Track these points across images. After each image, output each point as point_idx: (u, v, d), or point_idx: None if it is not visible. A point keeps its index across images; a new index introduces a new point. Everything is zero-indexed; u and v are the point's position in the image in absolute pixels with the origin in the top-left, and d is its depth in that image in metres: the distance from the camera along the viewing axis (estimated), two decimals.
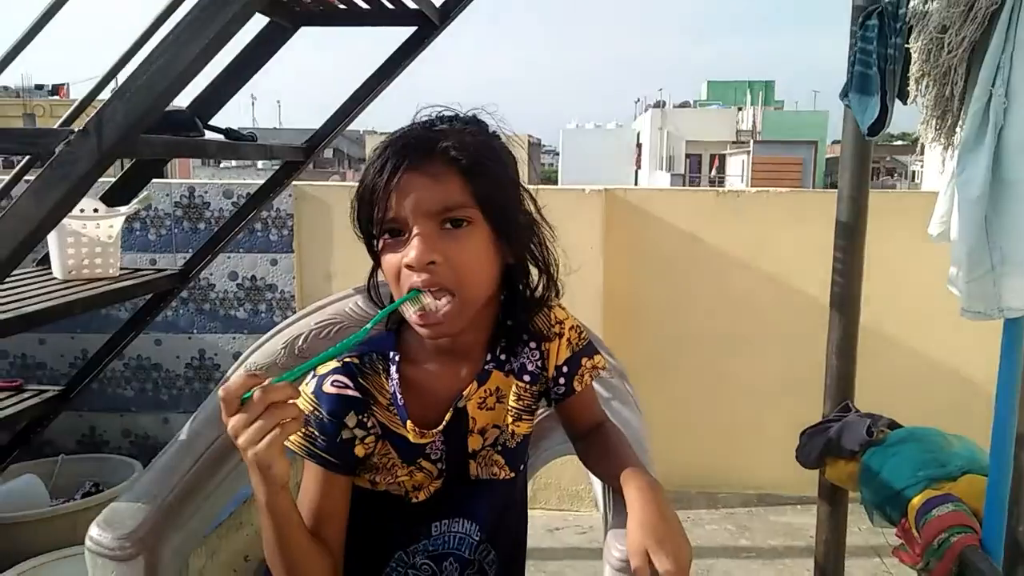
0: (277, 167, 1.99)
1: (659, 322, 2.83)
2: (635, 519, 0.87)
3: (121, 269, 1.86)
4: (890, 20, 1.43)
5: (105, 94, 1.20)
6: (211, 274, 2.86)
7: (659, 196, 2.95)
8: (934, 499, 1.35)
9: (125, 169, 2.02)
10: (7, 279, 1.33)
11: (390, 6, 1.79)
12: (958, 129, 1.32)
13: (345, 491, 0.94)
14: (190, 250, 2.54)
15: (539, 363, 1.02)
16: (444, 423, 0.96)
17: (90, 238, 1.77)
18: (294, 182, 2.31)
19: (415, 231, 0.87)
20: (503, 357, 1.00)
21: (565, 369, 1.03)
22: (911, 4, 1.39)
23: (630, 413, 1.23)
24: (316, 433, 0.91)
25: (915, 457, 1.47)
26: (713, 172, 27.91)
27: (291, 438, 0.87)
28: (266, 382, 0.77)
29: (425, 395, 0.96)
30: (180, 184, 2.89)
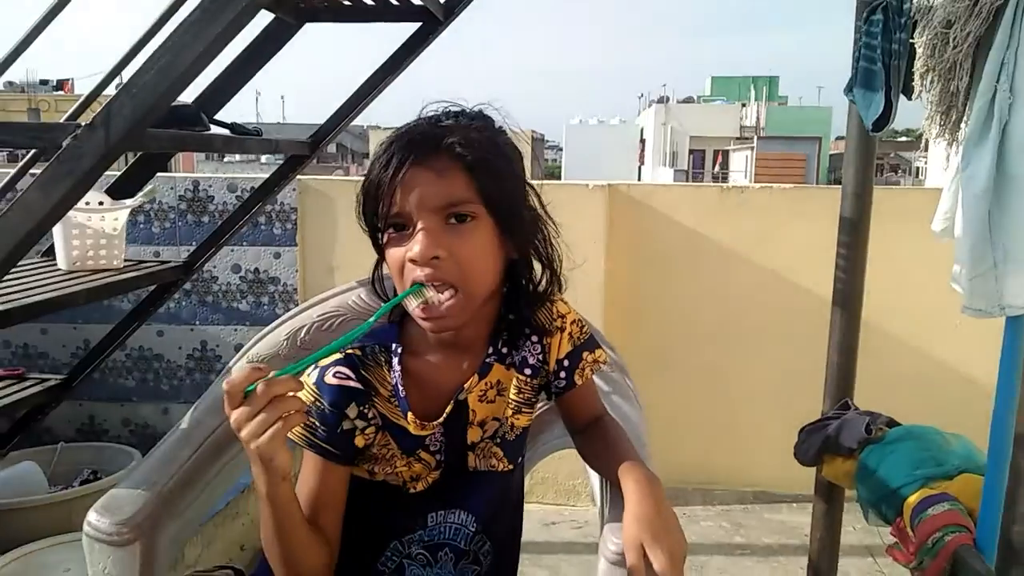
0: (281, 162, 2.00)
1: (660, 318, 2.83)
2: (631, 513, 0.87)
3: (125, 261, 1.87)
4: (895, 15, 1.43)
5: (110, 90, 1.21)
6: (214, 266, 2.87)
7: (662, 192, 2.94)
8: (930, 498, 1.35)
9: (130, 163, 2.03)
10: (12, 269, 1.34)
11: (395, 2, 1.79)
12: (963, 125, 1.32)
13: (343, 481, 0.95)
14: (193, 243, 2.54)
15: (540, 357, 1.03)
16: (444, 415, 0.97)
17: (95, 230, 1.77)
18: (298, 176, 2.32)
19: (419, 226, 0.87)
20: (504, 350, 1.01)
21: (566, 363, 1.03)
22: None
23: (630, 408, 1.24)
24: (317, 423, 0.92)
25: (912, 455, 1.47)
26: (717, 168, 27.87)
27: None
28: (270, 375, 0.78)
29: (426, 387, 0.97)
30: (184, 178, 2.90)
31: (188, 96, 1.76)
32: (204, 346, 2.95)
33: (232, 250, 2.86)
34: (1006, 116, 1.18)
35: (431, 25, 1.84)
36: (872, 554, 2.41)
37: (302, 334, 1.23)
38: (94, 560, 1.04)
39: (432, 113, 0.93)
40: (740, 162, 25.55)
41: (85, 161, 1.08)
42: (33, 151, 1.71)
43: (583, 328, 1.06)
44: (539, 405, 1.14)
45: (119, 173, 2.00)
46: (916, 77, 1.38)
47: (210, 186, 2.86)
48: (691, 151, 28.91)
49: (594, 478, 1.16)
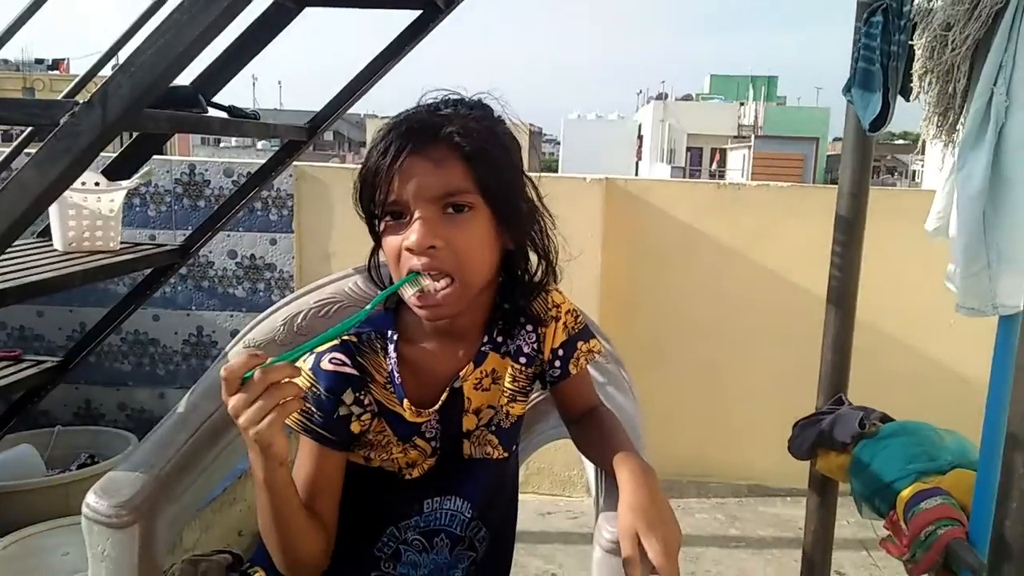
0: (278, 147, 1.99)
1: (656, 311, 2.84)
2: (626, 502, 0.88)
3: (121, 244, 1.86)
4: (894, 17, 1.43)
5: (107, 70, 1.20)
6: (210, 252, 2.87)
7: (659, 187, 2.95)
8: (923, 492, 1.37)
9: (126, 144, 2.02)
10: (7, 250, 1.33)
11: None
12: (959, 126, 1.33)
13: (339, 467, 0.95)
14: (189, 227, 2.54)
15: (535, 346, 1.03)
16: (440, 403, 0.97)
17: (91, 211, 1.77)
18: (295, 162, 2.31)
19: (416, 215, 0.87)
20: (500, 339, 1.01)
21: (561, 352, 1.04)
22: (916, 1, 1.39)
23: (625, 399, 1.24)
24: (313, 409, 0.92)
25: (906, 450, 1.48)
26: (714, 166, 27.89)
27: None
28: (267, 361, 0.78)
29: (422, 374, 0.97)
30: (181, 161, 2.89)
31: (185, 78, 1.75)
32: (200, 331, 2.95)
33: (228, 236, 2.86)
34: (1002, 118, 1.18)
35: (432, 12, 1.84)
36: (866, 547, 2.43)
37: (299, 320, 1.23)
38: (93, 542, 1.05)
39: (431, 101, 0.92)
40: (737, 161, 25.58)
41: (82, 139, 1.07)
42: (29, 130, 1.70)
43: (578, 318, 1.06)
44: (534, 395, 1.14)
45: (115, 154, 1.99)
46: (914, 78, 1.38)
47: (206, 170, 2.85)
48: (688, 149, 28.94)
49: (589, 468, 1.16)
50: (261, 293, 2.89)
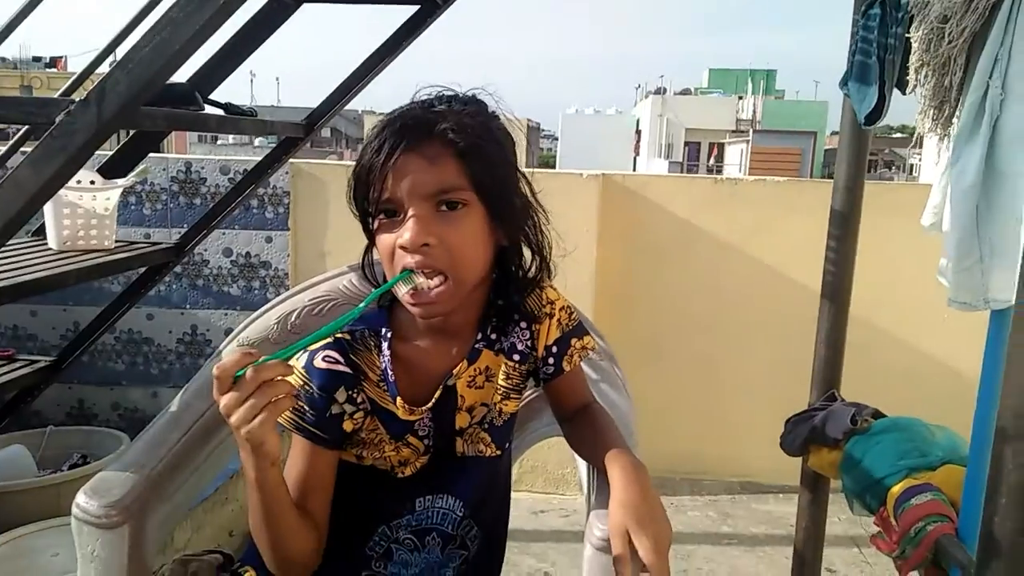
0: (275, 145, 1.99)
1: (652, 307, 2.84)
2: (617, 499, 0.88)
3: (116, 242, 1.86)
4: (892, 9, 1.43)
5: (104, 68, 1.20)
6: (205, 250, 2.86)
7: (656, 182, 2.95)
8: (913, 488, 1.37)
9: (123, 142, 2.02)
10: (2, 248, 1.33)
11: None
12: (955, 120, 1.33)
13: (331, 465, 0.95)
14: (185, 225, 2.54)
15: (529, 343, 1.03)
16: (433, 401, 0.97)
17: (86, 209, 1.77)
18: (291, 160, 2.31)
19: (410, 213, 0.87)
20: (493, 336, 1.01)
21: (554, 349, 1.04)
22: None
23: (618, 396, 1.24)
24: (305, 407, 0.92)
25: (897, 446, 1.48)
26: (712, 161, 27.87)
27: None
28: (260, 360, 0.78)
29: (415, 372, 0.97)
30: (177, 159, 2.88)
31: (182, 75, 1.75)
32: (194, 330, 2.94)
33: (223, 233, 2.85)
34: (997, 112, 1.18)
35: (429, 8, 1.84)
36: (856, 544, 2.44)
37: (292, 318, 1.23)
38: (83, 542, 1.04)
39: (425, 97, 0.92)
40: (735, 155, 25.55)
41: (78, 137, 1.07)
42: (25, 129, 1.70)
43: (571, 315, 1.07)
44: (527, 392, 1.14)
45: (112, 152, 1.99)
46: (911, 71, 1.38)
47: (202, 168, 2.84)
48: (687, 143, 28.89)
49: (582, 466, 1.16)
50: (256, 291, 2.89)
